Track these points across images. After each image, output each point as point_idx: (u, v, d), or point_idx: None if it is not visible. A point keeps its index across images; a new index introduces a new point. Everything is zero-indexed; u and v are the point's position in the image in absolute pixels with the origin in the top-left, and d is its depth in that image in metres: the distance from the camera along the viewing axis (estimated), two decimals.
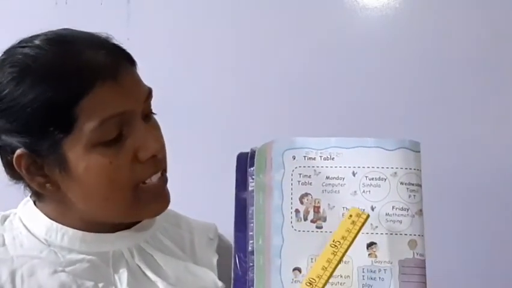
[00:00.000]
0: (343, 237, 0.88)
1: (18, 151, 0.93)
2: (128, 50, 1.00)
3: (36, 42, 0.93)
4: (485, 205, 1.74)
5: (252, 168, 0.96)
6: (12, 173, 0.97)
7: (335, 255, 0.86)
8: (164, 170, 1.01)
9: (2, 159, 0.98)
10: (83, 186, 0.94)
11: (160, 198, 1.00)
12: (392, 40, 1.79)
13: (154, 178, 0.97)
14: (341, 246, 0.87)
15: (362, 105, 1.79)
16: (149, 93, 0.98)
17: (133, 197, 0.95)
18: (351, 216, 0.89)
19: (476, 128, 1.75)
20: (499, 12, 1.74)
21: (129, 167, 0.94)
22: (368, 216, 0.89)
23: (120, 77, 0.92)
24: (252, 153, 0.98)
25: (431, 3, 1.77)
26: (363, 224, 0.88)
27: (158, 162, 0.98)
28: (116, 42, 0.98)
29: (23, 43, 0.95)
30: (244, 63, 1.81)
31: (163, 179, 1.00)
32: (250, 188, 0.95)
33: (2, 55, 0.96)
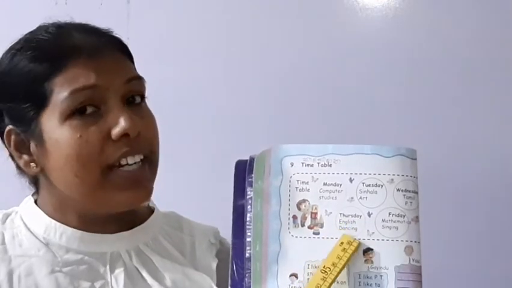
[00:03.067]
0: (333, 264, 0.88)
1: (7, 127, 0.97)
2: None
3: (45, 27, 1.00)
4: (480, 210, 1.75)
5: (250, 176, 0.97)
6: (13, 159, 1.00)
7: (324, 281, 0.87)
8: (148, 158, 0.98)
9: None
10: (54, 161, 0.95)
11: (136, 187, 0.97)
12: (391, 40, 1.79)
13: (130, 161, 0.96)
14: (330, 273, 0.87)
15: (362, 105, 1.79)
16: (133, 77, 0.98)
17: (103, 179, 0.94)
18: (342, 243, 0.90)
19: (473, 129, 1.76)
20: (499, 13, 1.74)
21: (99, 144, 0.94)
22: (360, 244, 0.90)
23: (98, 56, 0.95)
24: (251, 161, 0.98)
25: (431, 3, 1.78)
26: (354, 251, 0.89)
27: (133, 143, 0.95)
28: (115, 35, 1.02)
29: (37, 28, 1.01)
30: (244, 64, 1.81)
31: (144, 168, 0.98)
32: (248, 195, 0.96)
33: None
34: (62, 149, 0.93)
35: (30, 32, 1.00)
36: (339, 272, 0.88)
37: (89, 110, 0.94)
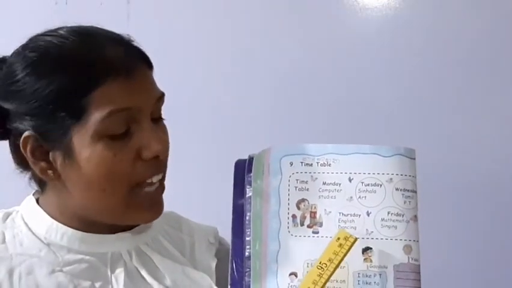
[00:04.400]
0: (329, 260, 0.88)
1: (26, 133, 0.95)
2: None
3: (61, 32, 0.97)
4: (479, 208, 1.75)
5: (249, 175, 0.97)
6: (20, 159, 0.99)
7: (320, 277, 0.87)
8: (164, 176, 1.02)
9: (10, 145, 1.00)
10: (83, 175, 0.95)
11: (155, 206, 1.01)
12: (391, 40, 1.79)
13: (155, 179, 0.98)
14: (327, 269, 0.88)
15: (361, 104, 1.79)
16: (160, 96, 1.00)
17: (129, 197, 0.97)
18: (339, 239, 0.90)
19: (473, 129, 1.76)
20: (499, 13, 1.74)
21: (131, 163, 0.95)
22: (356, 239, 0.90)
23: (134, 75, 0.94)
24: (250, 160, 0.99)
25: (431, 3, 1.78)
26: (350, 247, 0.89)
27: (161, 164, 0.99)
28: (136, 44, 1.01)
29: (48, 32, 0.98)
30: (243, 64, 1.82)
31: (161, 188, 1.01)
32: (247, 194, 0.97)
33: (26, 42, 0.99)
34: (94, 166, 0.94)
35: (48, 37, 0.98)
36: (335, 268, 0.88)
37: (122, 129, 0.94)
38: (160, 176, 1.00)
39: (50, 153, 0.96)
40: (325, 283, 0.87)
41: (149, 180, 0.98)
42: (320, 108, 1.80)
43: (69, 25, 0.99)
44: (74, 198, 0.98)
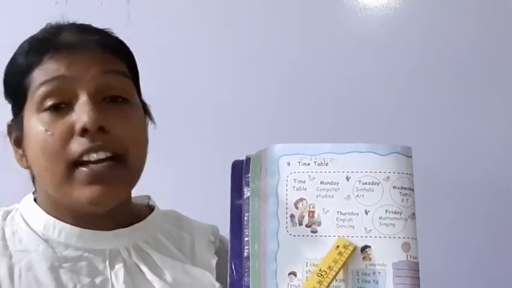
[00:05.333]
0: (329, 267, 0.88)
1: (8, 122, 1.00)
2: None
3: (48, 25, 1.03)
4: (479, 208, 1.75)
5: (247, 175, 0.97)
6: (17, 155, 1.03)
7: (320, 284, 0.87)
8: (122, 157, 0.96)
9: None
10: (30, 155, 0.97)
11: (99, 183, 0.94)
12: (391, 40, 1.79)
13: (93, 158, 0.94)
14: (327, 276, 0.87)
15: (361, 104, 1.79)
16: (110, 70, 0.97)
17: (69, 174, 0.94)
18: (338, 247, 0.90)
19: (473, 128, 1.76)
20: (499, 13, 1.75)
21: (63, 138, 0.93)
22: (355, 248, 0.90)
23: (75, 50, 0.95)
24: (247, 160, 0.99)
25: (431, 3, 1.78)
26: (349, 255, 0.89)
27: (97, 139, 0.93)
28: (111, 34, 1.02)
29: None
30: (243, 64, 1.82)
31: (115, 168, 0.95)
32: (245, 195, 0.97)
33: None
34: (32, 143, 0.95)
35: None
36: (335, 276, 0.88)
37: (62, 106, 0.94)
38: (101, 155, 0.94)
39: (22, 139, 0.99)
40: None
41: (85, 158, 0.94)
42: (320, 108, 1.80)
43: None
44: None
